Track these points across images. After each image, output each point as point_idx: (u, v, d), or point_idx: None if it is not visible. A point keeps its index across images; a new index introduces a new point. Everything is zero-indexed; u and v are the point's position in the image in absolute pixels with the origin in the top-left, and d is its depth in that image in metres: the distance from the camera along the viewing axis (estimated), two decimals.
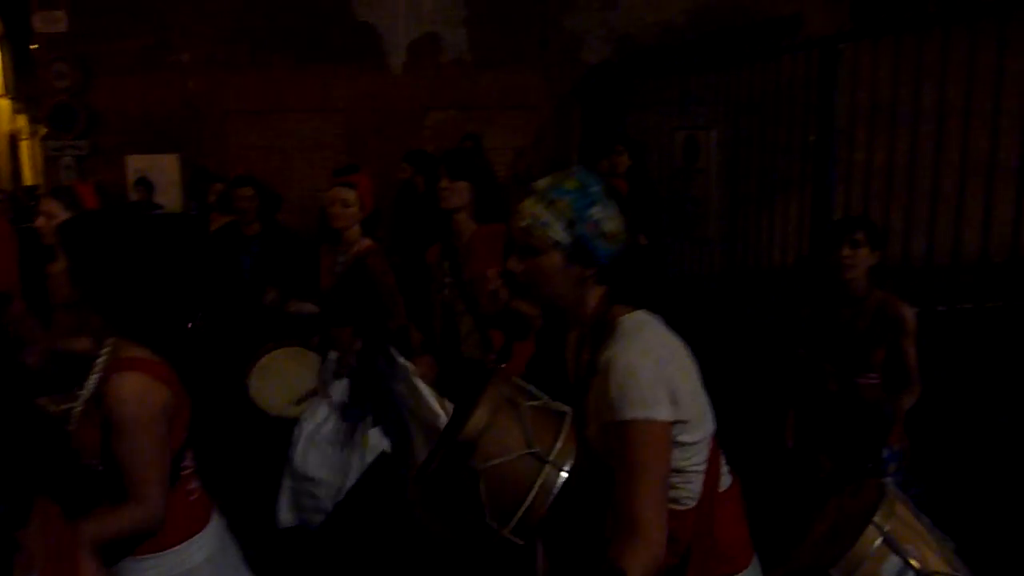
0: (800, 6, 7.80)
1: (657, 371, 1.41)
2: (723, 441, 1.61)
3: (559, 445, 2.43)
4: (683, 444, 1.47)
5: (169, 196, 8.29)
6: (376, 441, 3.44)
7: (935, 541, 2.20)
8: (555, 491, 2.37)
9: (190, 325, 4.21)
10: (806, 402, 2.94)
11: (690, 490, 1.52)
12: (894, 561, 2.09)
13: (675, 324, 1.57)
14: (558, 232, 1.47)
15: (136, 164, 8.39)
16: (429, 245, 3.30)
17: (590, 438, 1.55)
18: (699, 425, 1.49)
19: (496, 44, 8.90)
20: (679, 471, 1.49)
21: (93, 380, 1.73)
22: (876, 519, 2.12)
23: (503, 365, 2.88)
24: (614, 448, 1.42)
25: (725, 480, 1.61)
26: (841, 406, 2.82)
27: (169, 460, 1.73)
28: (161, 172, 8.41)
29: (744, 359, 4.72)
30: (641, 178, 5.50)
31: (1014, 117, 3.32)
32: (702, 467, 1.52)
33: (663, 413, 1.40)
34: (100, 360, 1.74)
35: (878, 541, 2.11)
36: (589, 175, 1.53)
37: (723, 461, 1.59)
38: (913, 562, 2.09)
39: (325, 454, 3.40)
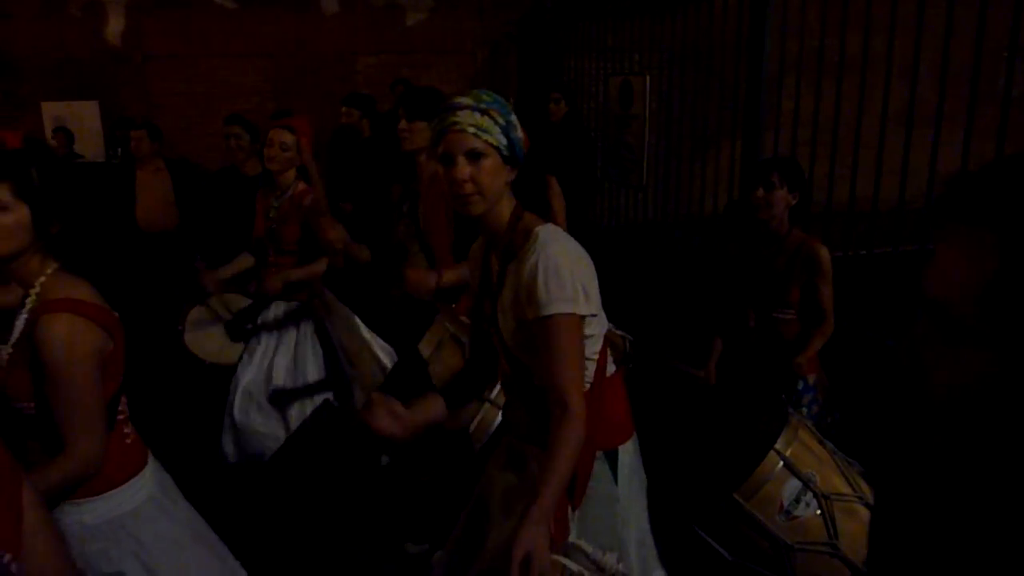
0: None
1: (575, 273, 1.64)
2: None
3: (499, 386, 2.50)
4: (588, 335, 1.71)
5: (90, 145, 7.95)
6: (317, 389, 3.45)
7: (839, 464, 2.36)
8: (492, 429, 2.46)
9: (195, 265, 4.16)
10: (728, 336, 3.06)
11: (588, 374, 1.76)
12: (794, 483, 2.26)
13: (609, 267, 1.70)
14: (496, 136, 1.67)
15: (53, 112, 7.99)
16: (384, 188, 3.26)
17: (505, 334, 1.76)
18: (600, 319, 1.75)
19: None
20: (585, 358, 1.72)
21: (21, 321, 1.68)
22: (777, 446, 2.28)
23: (452, 305, 2.93)
24: (539, 339, 1.64)
25: (611, 368, 1.85)
26: (759, 340, 2.95)
27: (103, 404, 1.70)
28: (80, 120, 8.03)
29: (674, 297, 4.86)
30: (577, 125, 5.53)
31: (932, 67, 3.44)
32: (596, 355, 1.76)
33: (580, 308, 1.63)
34: (28, 300, 1.69)
35: (779, 466, 2.27)
36: (493, 93, 1.72)
37: (609, 353, 1.83)
38: (812, 484, 2.26)
39: (264, 407, 3.40)
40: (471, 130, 1.66)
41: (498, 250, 1.78)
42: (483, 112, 1.67)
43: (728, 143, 4.80)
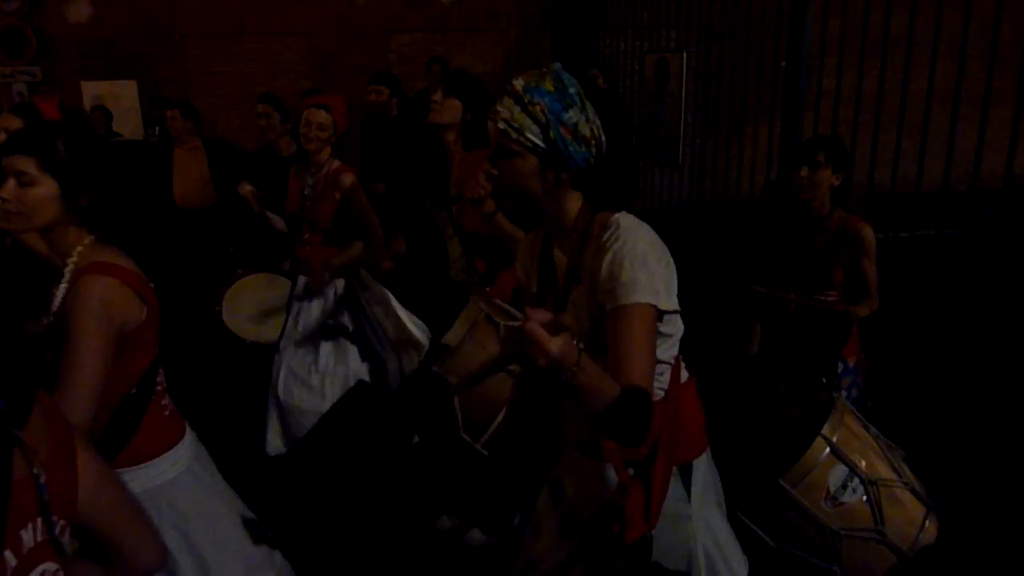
0: None
1: (659, 264, 1.48)
2: (697, 352, 1.68)
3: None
4: (665, 335, 1.56)
5: (128, 124, 8.06)
6: (356, 365, 3.49)
7: (883, 450, 2.33)
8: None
9: (233, 249, 4.24)
10: (767, 318, 3.02)
11: (662, 382, 1.62)
12: (841, 469, 2.22)
13: None
14: (533, 136, 1.47)
15: (92, 91, 8.11)
16: (414, 168, 3.27)
17: (579, 335, 1.59)
18: (678, 320, 1.59)
19: None
20: (659, 361, 1.58)
21: (61, 291, 1.70)
22: (824, 431, 2.24)
23: (488, 287, 2.92)
24: (613, 330, 1.45)
25: (684, 375, 1.71)
26: (800, 323, 2.90)
27: (103, 378, 1.65)
28: (119, 99, 8.15)
29: (711, 280, 4.81)
30: (614, 103, 5.46)
31: (981, 46, 3.33)
32: (672, 360, 1.62)
33: (659, 301, 1.46)
34: (67, 270, 1.71)
35: (825, 451, 2.24)
36: (567, 75, 1.50)
37: (681, 358, 1.68)
38: (859, 470, 2.22)
39: (308, 384, 3.44)
40: (502, 125, 1.49)
41: (566, 244, 1.61)
42: (525, 105, 1.47)
43: (766, 122, 4.71)
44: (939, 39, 3.50)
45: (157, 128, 6.97)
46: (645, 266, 1.45)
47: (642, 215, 1.64)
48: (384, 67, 7.80)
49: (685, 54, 5.25)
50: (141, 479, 1.79)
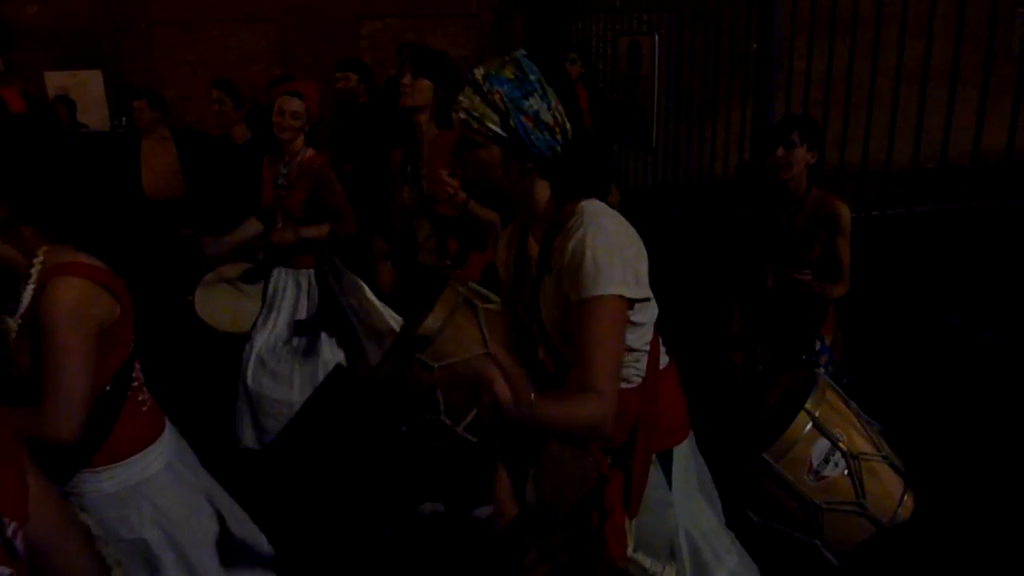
0: None
1: (622, 253, 1.44)
2: (673, 332, 1.68)
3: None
4: (636, 324, 1.55)
5: (93, 115, 7.91)
6: (330, 356, 3.47)
7: (862, 425, 2.37)
8: None
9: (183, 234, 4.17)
10: (746, 298, 3.05)
11: (638, 368, 1.62)
12: (823, 443, 2.26)
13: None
14: (494, 125, 1.45)
15: (56, 81, 7.95)
16: (384, 150, 3.24)
17: (547, 324, 1.60)
18: (650, 306, 1.57)
19: None
20: (632, 350, 1.58)
21: (28, 292, 1.65)
22: (807, 406, 2.27)
23: (457, 271, 2.91)
24: (577, 323, 1.43)
25: (663, 359, 1.70)
26: (778, 302, 2.94)
27: (90, 378, 1.63)
28: (83, 89, 8.00)
29: (686, 261, 4.84)
30: (593, 86, 5.46)
31: (947, 25, 3.37)
32: (647, 347, 1.61)
33: (627, 291, 1.43)
34: (33, 270, 1.66)
35: (808, 426, 2.27)
36: (528, 62, 1.48)
37: (660, 342, 1.67)
38: (840, 444, 2.26)
39: (277, 373, 3.42)
40: (463, 115, 1.46)
41: (538, 234, 1.60)
42: (485, 94, 1.44)
43: (738, 104, 4.73)
44: (907, 19, 3.53)
45: (124, 119, 6.86)
46: (608, 256, 1.42)
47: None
48: (355, 54, 7.71)
49: (657, 37, 5.25)
50: (119, 477, 1.77)
